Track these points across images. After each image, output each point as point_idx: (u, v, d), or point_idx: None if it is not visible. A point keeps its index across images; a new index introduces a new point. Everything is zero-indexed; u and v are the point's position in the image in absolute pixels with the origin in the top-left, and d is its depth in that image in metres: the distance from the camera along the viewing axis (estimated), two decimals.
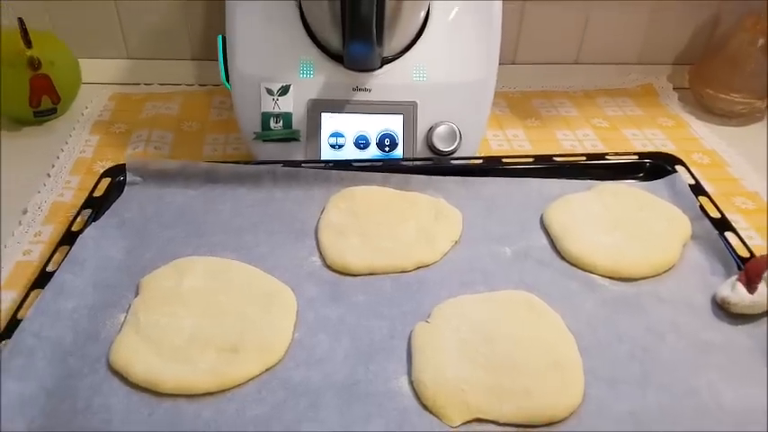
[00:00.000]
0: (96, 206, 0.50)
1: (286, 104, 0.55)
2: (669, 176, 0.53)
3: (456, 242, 0.47)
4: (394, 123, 0.55)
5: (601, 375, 0.37)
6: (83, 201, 0.53)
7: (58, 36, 0.67)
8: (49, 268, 0.44)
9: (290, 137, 0.55)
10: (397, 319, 0.41)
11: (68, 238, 0.47)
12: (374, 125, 0.55)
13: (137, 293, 0.42)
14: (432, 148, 0.55)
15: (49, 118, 0.67)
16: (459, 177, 0.53)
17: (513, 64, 0.77)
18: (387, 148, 0.55)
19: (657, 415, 0.35)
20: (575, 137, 0.66)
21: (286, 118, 0.55)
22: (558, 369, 0.37)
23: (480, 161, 0.56)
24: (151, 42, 0.74)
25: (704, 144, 0.66)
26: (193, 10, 0.72)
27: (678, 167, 0.54)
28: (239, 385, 0.37)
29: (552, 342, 0.39)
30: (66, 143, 0.64)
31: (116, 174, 0.53)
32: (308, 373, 0.37)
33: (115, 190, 0.51)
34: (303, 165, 0.53)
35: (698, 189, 0.52)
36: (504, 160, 0.56)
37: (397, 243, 0.47)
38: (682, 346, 0.40)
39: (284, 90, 0.55)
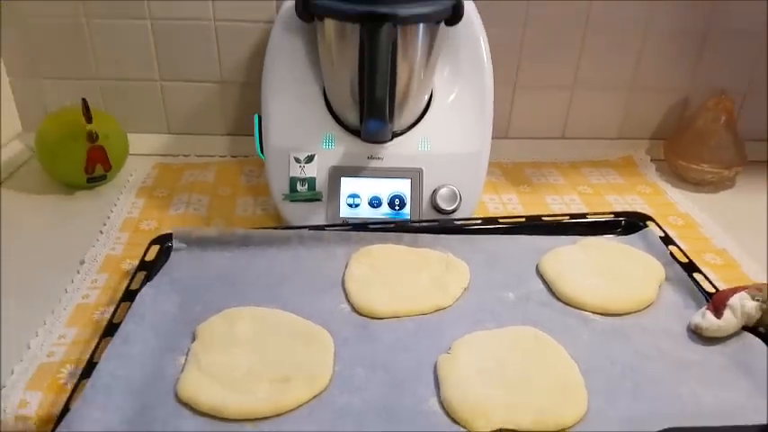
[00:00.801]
0: (148, 268, 0.57)
1: (311, 170, 0.64)
2: (642, 231, 0.61)
3: (465, 289, 0.55)
4: (403, 186, 0.64)
5: (599, 391, 0.44)
6: (132, 254, 0.61)
7: (111, 112, 0.78)
8: (115, 319, 0.50)
9: (313, 198, 0.64)
10: (421, 352, 0.47)
11: (128, 295, 0.53)
12: (386, 188, 0.64)
13: (193, 339, 0.49)
14: (436, 207, 0.63)
15: (100, 184, 0.76)
16: (463, 236, 0.61)
17: (507, 138, 0.87)
18: (397, 207, 0.64)
19: (649, 418, 0.42)
20: (562, 201, 0.75)
21: (310, 182, 0.64)
22: (565, 387, 0.44)
23: (479, 221, 0.64)
24: (190, 119, 0.84)
25: (679, 208, 0.74)
26: (228, 92, 0.83)
27: (649, 223, 0.62)
28: (292, 410, 0.43)
29: (558, 366, 0.46)
30: (116, 205, 0.72)
31: (163, 241, 0.60)
32: (350, 399, 0.44)
33: (163, 255, 0.58)
34: (326, 228, 0.61)
35: (667, 240, 0.60)
36: (500, 220, 0.64)
37: (414, 290, 0.54)
38: (665, 364, 0.47)
39: (309, 159, 0.64)
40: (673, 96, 0.85)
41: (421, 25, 0.59)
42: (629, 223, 0.63)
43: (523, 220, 0.64)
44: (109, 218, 0.70)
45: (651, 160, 0.85)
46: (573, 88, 0.84)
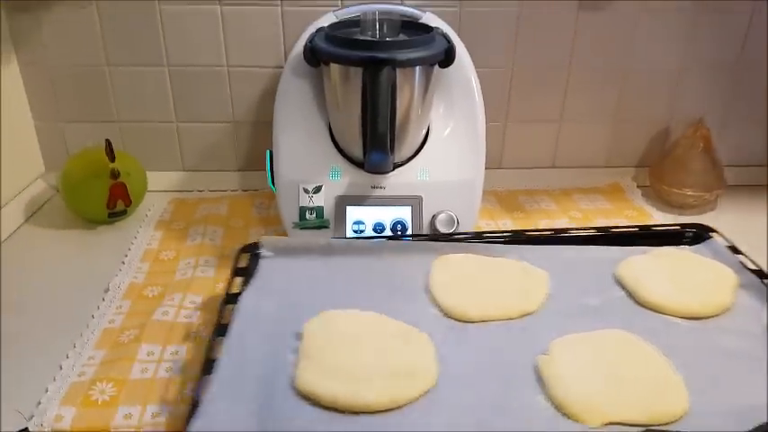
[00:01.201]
0: (243, 274, 0.60)
1: (319, 200, 0.69)
2: (707, 241, 0.65)
3: (548, 295, 0.58)
4: (404, 213, 0.69)
5: (696, 387, 0.47)
6: (154, 281, 0.66)
7: (130, 152, 0.84)
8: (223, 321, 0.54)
9: (321, 225, 0.69)
10: (517, 354, 0.50)
11: (230, 299, 0.57)
12: (388, 215, 0.69)
13: (299, 338, 0.52)
14: (435, 231, 0.68)
15: (120, 219, 0.81)
16: (534, 246, 0.64)
17: (501, 168, 0.92)
18: (399, 233, 0.68)
19: (749, 411, 0.45)
20: (554, 225, 0.80)
21: (319, 211, 0.69)
22: (666, 383, 0.47)
23: (551, 232, 0.67)
24: (204, 157, 0.90)
25: None
26: (239, 131, 0.88)
27: (713, 234, 0.66)
28: (405, 405, 0.45)
29: (654, 365, 0.49)
30: (136, 238, 0.77)
31: (251, 249, 0.63)
32: (461, 395, 0.46)
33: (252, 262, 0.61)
34: (402, 238, 0.64)
35: (734, 249, 0.63)
36: (570, 231, 0.67)
37: (500, 296, 0.57)
38: (753, 362, 0.50)
39: (317, 189, 0.69)
40: (655, 126, 0.91)
41: (417, 67, 0.65)
42: (695, 234, 0.66)
43: (594, 231, 0.67)
44: (130, 249, 0.74)
45: (637, 186, 0.90)
46: (560, 121, 0.90)
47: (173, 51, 0.83)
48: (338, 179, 0.70)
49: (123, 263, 0.72)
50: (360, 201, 0.69)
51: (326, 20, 0.72)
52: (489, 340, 0.52)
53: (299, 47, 0.69)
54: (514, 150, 0.91)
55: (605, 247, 0.64)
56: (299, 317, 0.54)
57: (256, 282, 0.59)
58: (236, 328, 0.52)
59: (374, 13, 0.69)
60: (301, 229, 0.69)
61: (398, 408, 0.45)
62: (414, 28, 0.70)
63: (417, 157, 0.72)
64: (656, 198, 0.86)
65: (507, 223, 0.81)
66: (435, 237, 0.66)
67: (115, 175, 0.78)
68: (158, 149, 0.89)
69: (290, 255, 0.62)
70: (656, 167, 0.87)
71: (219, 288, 0.67)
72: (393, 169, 0.70)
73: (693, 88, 0.88)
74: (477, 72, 0.72)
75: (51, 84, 0.85)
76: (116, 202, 0.79)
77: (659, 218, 0.82)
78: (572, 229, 0.68)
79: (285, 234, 0.71)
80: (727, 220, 0.82)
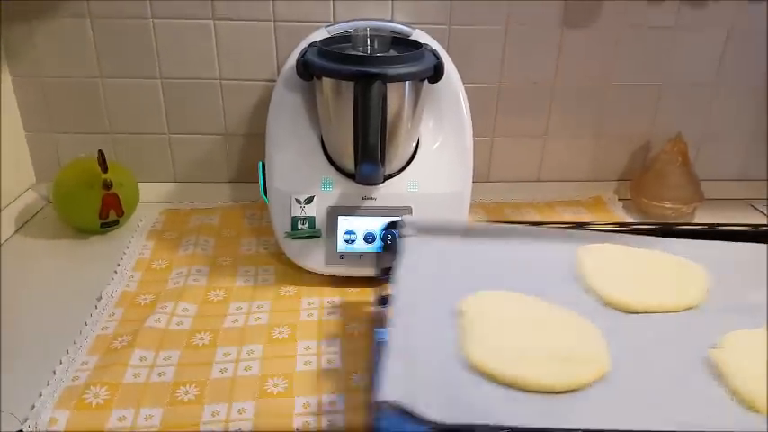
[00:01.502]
0: (388, 250, 0.62)
1: (311, 210, 0.71)
2: None
3: (708, 289, 0.56)
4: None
5: None
6: (146, 290, 0.68)
7: (122, 163, 0.84)
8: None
9: (313, 235, 0.70)
10: (686, 346, 0.49)
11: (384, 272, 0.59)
12: (378, 224, 0.70)
13: (458, 314, 0.51)
14: None
15: (112, 228, 0.82)
16: (682, 240, 0.62)
17: (488, 182, 0.94)
18: (389, 242, 0.70)
19: None
20: None
21: (310, 221, 0.70)
22: None
23: (704, 226, 0.65)
24: (196, 168, 0.91)
25: None
26: (231, 143, 0.90)
27: None
28: (579, 389, 0.44)
29: None
30: (128, 247, 0.78)
31: (391, 227, 0.63)
32: (635, 382, 0.45)
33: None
34: (545, 224, 0.63)
35: None
36: (719, 228, 0.64)
37: (660, 288, 0.56)
38: None
39: (309, 200, 0.71)
40: (636, 142, 0.94)
41: (407, 83, 0.67)
42: None
43: (747, 228, 0.65)
44: (122, 258, 0.75)
45: (619, 199, 0.93)
46: (545, 136, 0.92)
47: (166, 64, 0.85)
48: (330, 190, 0.71)
49: (116, 272, 0.72)
50: (351, 211, 0.71)
51: (319, 35, 0.74)
52: (656, 332, 0.51)
53: (291, 61, 0.71)
54: (501, 164, 0.94)
55: (756, 245, 0.62)
56: (453, 294, 0.53)
57: (405, 260, 0.58)
58: (396, 303, 0.51)
59: (365, 30, 0.71)
60: (293, 239, 0.70)
61: (571, 392, 0.44)
62: (404, 44, 0.72)
63: (407, 169, 0.73)
64: (637, 210, 0.89)
65: None
66: (573, 224, 0.65)
67: (108, 185, 0.78)
68: (151, 161, 0.90)
69: (430, 234, 0.62)
70: (637, 181, 0.90)
71: (211, 296, 0.68)
72: (384, 181, 0.71)
73: (673, 105, 0.91)
74: (465, 88, 0.75)
75: (44, 95, 0.86)
76: (108, 213, 0.80)
77: None
78: (721, 225, 0.65)
79: (277, 244, 0.72)
80: None
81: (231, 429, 0.50)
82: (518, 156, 0.94)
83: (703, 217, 0.88)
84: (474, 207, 0.89)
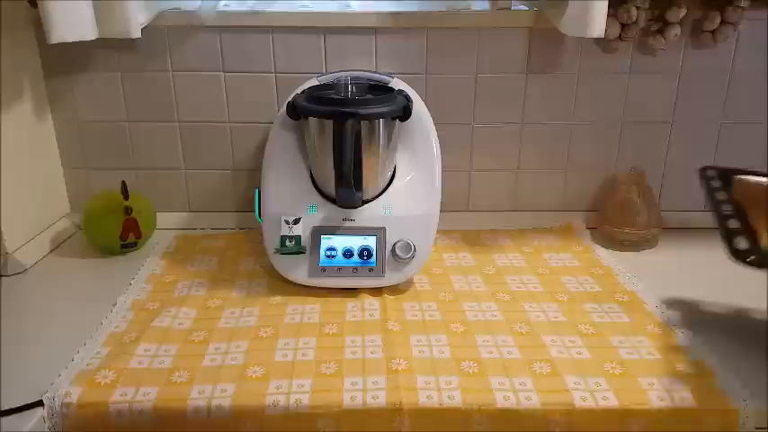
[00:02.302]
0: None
1: (297, 230, 0.81)
2: None
3: None
4: (370, 241, 0.81)
5: None
6: (155, 299, 0.79)
7: (145, 195, 0.97)
8: None
9: (298, 251, 0.81)
10: None
11: None
12: (356, 242, 0.81)
13: None
14: (395, 256, 0.79)
15: (131, 250, 0.94)
16: None
17: (467, 211, 1.04)
18: (365, 257, 0.80)
19: None
20: (506, 258, 0.91)
21: (297, 239, 0.81)
22: None
23: None
24: (207, 199, 1.03)
25: (602, 263, 0.89)
26: (238, 177, 1.02)
27: None
28: None
29: None
30: (143, 265, 0.90)
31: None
32: None
33: None
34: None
35: None
36: None
37: None
38: None
39: (296, 221, 0.82)
40: (603, 175, 1.03)
41: (381, 121, 0.78)
42: None
43: None
44: (137, 274, 0.87)
45: (587, 227, 1.01)
46: (517, 171, 1.02)
47: (183, 110, 0.98)
48: (315, 213, 0.82)
49: (130, 284, 0.84)
50: (332, 231, 0.81)
51: (309, 84, 0.87)
52: None
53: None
54: (479, 195, 1.04)
55: None
56: None
57: None
58: None
59: (346, 78, 0.84)
60: (282, 254, 0.81)
61: None
62: (380, 90, 0.84)
63: (383, 195, 0.84)
64: (602, 237, 0.97)
65: (467, 256, 0.92)
66: None
67: (128, 211, 0.91)
68: (168, 192, 1.03)
69: None
70: (602, 210, 0.98)
71: (210, 303, 0.78)
72: (362, 205, 0.82)
73: (634, 141, 1.01)
74: (442, 128, 0.86)
75: (79, 136, 1.00)
76: (128, 235, 0.92)
77: (601, 253, 0.92)
78: None
79: (269, 262, 0.83)
80: (667, 255, 0.93)
81: (213, 404, 0.59)
82: (494, 187, 1.03)
83: (664, 243, 0.96)
84: (453, 233, 0.99)
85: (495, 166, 1.02)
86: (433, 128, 0.86)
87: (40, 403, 0.59)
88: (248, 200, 1.03)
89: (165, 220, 1.01)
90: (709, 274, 0.85)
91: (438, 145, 0.85)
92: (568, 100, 0.98)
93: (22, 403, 0.59)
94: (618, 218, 0.94)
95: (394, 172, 0.86)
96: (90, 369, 0.64)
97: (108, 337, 0.71)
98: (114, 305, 0.78)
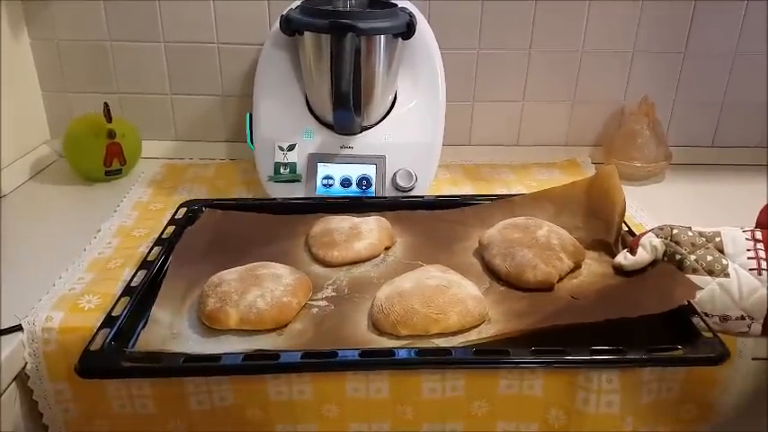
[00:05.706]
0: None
1: (292, 157, 0.77)
2: None
3: None
4: (369, 170, 0.76)
5: None
6: (141, 225, 0.75)
7: (128, 121, 0.92)
8: None
9: (294, 179, 0.76)
10: None
11: None
12: (355, 171, 0.76)
13: None
14: (396, 186, 0.75)
15: (116, 177, 0.89)
16: None
17: (469, 145, 0.99)
18: (364, 187, 0.76)
19: None
20: (509, 192, 0.87)
21: (292, 166, 0.77)
22: None
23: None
24: (195, 127, 0.98)
25: None
26: (227, 104, 0.96)
27: None
28: None
29: None
30: (129, 192, 0.85)
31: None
32: None
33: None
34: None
35: None
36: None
37: None
38: None
39: (291, 147, 0.77)
40: (610, 108, 0.98)
41: (381, 38, 0.73)
42: None
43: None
44: (123, 201, 0.82)
45: (592, 162, 0.97)
46: (522, 101, 0.97)
47: (168, 29, 0.91)
48: (311, 139, 0.78)
49: (115, 211, 0.80)
50: (330, 158, 0.77)
51: None
52: None
53: None
54: (482, 128, 0.99)
55: None
56: None
57: None
58: None
59: None
60: (275, 182, 0.77)
61: None
62: (380, 5, 0.78)
63: (384, 121, 0.79)
64: None
65: (470, 191, 0.88)
66: None
67: (112, 134, 0.86)
68: (154, 119, 0.97)
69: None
70: (609, 143, 0.94)
71: None
72: (361, 131, 0.77)
73: (645, 72, 0.95)
74: (446, 53, 0.80)
75: (58, 57, 0.93)
76: (112, 161, 0.87)
77: None
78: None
79: (265, 193, 0.78)
80: (673, 189, 0.90)
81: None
82: (497, 120, 0.98)
83: (672, 177, 0.92)
84: (454, 167, 0.95)
85: (500, 96, 0.97)
86: (437, 50, 0.80)
87: (19, 327, 0.56)
88: (239, 129, 0.98)
89: (151, 148, 0.96)
90: (715, 208, 0.82)
91: (443, 69, 0.80)
92: (578, 26, 0.92)
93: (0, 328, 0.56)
94: (626, 151, 0.90)
95: (395, 98, 0.81)
96: (73, 294, 0.61)
97: (92, 262, 0.67)
98: (99, 231, 0.74)
